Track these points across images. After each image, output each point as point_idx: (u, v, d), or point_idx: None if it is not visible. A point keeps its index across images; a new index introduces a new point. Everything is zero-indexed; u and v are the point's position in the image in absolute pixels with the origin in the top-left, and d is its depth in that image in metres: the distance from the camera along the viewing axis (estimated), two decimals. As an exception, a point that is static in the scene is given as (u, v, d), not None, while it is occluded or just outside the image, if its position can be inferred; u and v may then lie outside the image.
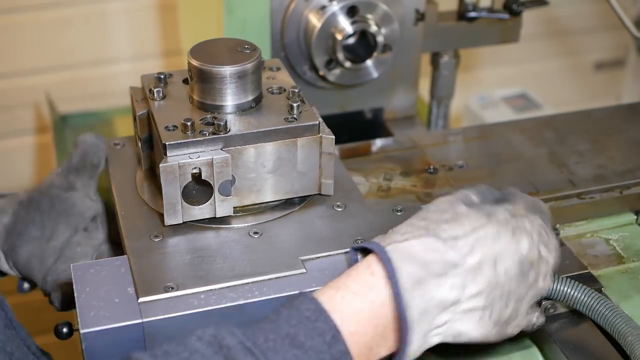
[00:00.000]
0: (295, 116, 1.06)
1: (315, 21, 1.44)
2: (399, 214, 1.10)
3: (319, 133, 1.07)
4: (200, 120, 1.04)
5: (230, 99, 1.06)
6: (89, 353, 0.91)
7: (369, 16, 1.45)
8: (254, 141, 1.03)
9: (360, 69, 1.49)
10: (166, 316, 0.92)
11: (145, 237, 1.04)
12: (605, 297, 1.06)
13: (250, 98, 1.07)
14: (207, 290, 0.95)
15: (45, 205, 1.18)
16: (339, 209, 1.10)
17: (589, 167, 1.35)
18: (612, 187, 1.30)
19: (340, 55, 1.45)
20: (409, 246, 0.89)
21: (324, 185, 1.10)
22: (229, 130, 1.02)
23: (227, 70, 1.04)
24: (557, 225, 1.27)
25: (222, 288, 0.96)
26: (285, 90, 1.11)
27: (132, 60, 2.39)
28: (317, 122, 1.06)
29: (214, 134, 1.02)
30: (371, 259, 0.91)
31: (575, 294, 1.04)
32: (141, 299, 0.94)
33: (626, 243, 1.26)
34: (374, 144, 1.43)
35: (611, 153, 1.39)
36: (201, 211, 1.04)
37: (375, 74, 1.51)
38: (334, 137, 1.07)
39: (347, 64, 1.46)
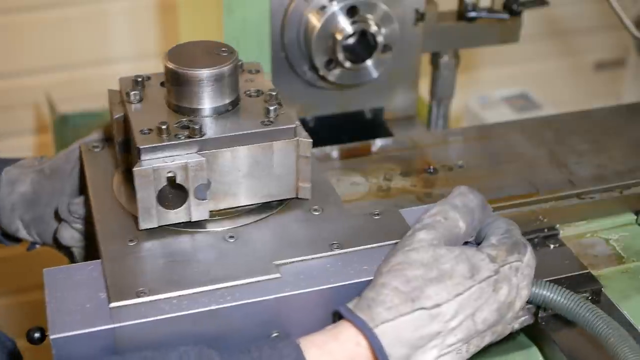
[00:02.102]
0: (271, 119, 1.04)
1: (315, 21, 1.44)
2: (376, 217, 1.08)
3: (295, 136, 1.05)
4: (175, 123, 1.03)
5: (206, 102, 1.04)
6: (59, 359, 0.90)
7: (369, 16, 1.45)
8: (230, 145, 1.01)
9: (360, 69, 1.49)
10: (137, 321, 0.90)
11: (119, 241, 1.02)
12: (587, 299, 1.06)
13: (226, 101, 1.05)
14: (179, 296, 0.94)
15: (73, 172, 1.21)
16: (316, 213, 1.09)
17: (589, 167, 1.35)
18: (612, 187, 1.30)
19: (340, 55, 1.45)
20: (398, 326, 0.89)
21: (302, 189, 1.08)
22: (205, 134, 1.01)
23: (203, 73, 1.03)
24: (557, 225, 1.27)
25: (194, 293, 0.94)
26: (263, 93, 1.10)
27: (132, 60, 2.40)
28: (294, 126, 1.04)
29: (189, 137, 1.00)
30: (358, 330, 0.91)
31: (556, 297, 1.04)
32: (112, 304, 0.92)
33: (626, 243, 1.26)
34: (374, 144, 1.43)
35: (611, 153, 1.39)
36: (176, 215, 1.02)
37: (375, 74, 1.51)
38: (311, 140, 1.06)
39: (347, 64, 1.46)
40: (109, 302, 0.92)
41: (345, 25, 1.44)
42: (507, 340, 1.18)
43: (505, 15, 1.56)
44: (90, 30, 2.34)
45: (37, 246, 1.28)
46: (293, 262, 1.00)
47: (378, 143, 1.43)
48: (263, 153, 1.04)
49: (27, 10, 2.27)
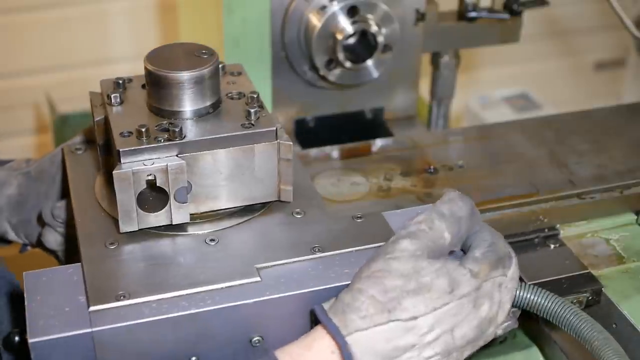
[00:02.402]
0: (252, 122, 1.03)
1: (316, 21, 1.44)
2: (359, 221, 1.07)
3: (276, 139, 1.03)
4: (156, 126, 1.01)
5: (186, 105, 1.03)
6: None
7: (369, 16, 1.45)
8: (210, 147, 1.01)
9: (361, 69, 1.49)
10: (116, 325, 0.90)
11: (100, 244, 1.01)
12: (571, 302, 1.05)
13: (207, 103, 1.05)
14: (159, 299, 0.93)
15: (58, 175, 1.20)
16: (299, 216, 1.08)
17: (589, 167, 1.35)
18: (612, 187, 1.30)
19: (341, 55, 1.45)
20: (371, 337, 0.89)
21: (283, 191, 1.07)
22: (185, 137, 1.00)
23: (183, 75, 1.02)
24: (557, 225, 1.27)
25: (174, 297, 0.93)
26: (244, 95, 1.09)
27: (132, 60, 2.40)
28: (275, 128, 1.03)
29: (169, 140, 0.99)
30: (332, 338, 0.89)
31: (540, 300, 1.04)
32: (92, 308, 0.91)
33: (626, 243, 1.26)
34: (374, 144, 1.43)
35: (611, 153, 1.39)
36: (157, 218, 1.01)
37: (375, 74, 1.51)
38: (291, 143, 1.04)
39: (348, 64, 1.46)
40: (89, 305, 0.92)
41: (346, 25, 1.44)
42: (507, 340, 1.19)
43: (506, 15, 1.56)
44: (90, 30, 2.35)
45: (29, 248, 1.28)
46: (274, 265, 0.99)
47: (378, 143, 1.43)
48: (244, 156, 1.03)
49: (27, 10, 2.28)
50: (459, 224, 0.97)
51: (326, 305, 0.92)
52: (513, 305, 1.03)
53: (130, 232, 1.01)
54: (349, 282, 0.96)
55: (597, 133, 1.45)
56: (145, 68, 1.04)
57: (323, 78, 1.51)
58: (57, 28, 2.31)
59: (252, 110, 1.04)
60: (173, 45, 1.09)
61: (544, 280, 1.16)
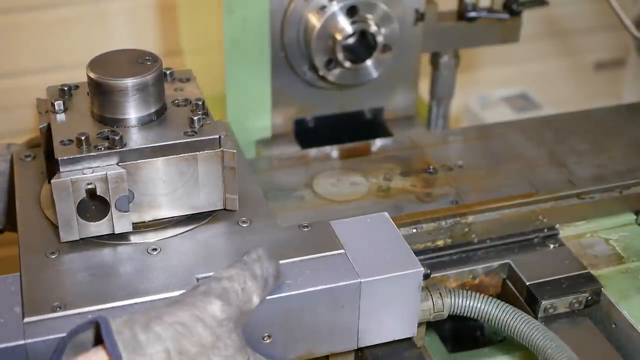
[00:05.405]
0: (195, 130, 1.02)
1: (315, 21, 1.44)
2: (305, 230, 1.05)
3: (219, 147, 1.02)
4: (97, 134, 1.00)
5: (129, 112, 1.02)
6: None
7: (369, 16, 1.45)
8: (152, 156, 0.99)
9: (360, 69, 1.49)
10: (50, 337, 0.88)
11: (40, 253, 0.99)
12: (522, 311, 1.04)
13: (151, 111, 1.03)
14: (95, 310, 0.92)
15: None
16: (244, 225, 1.06)
17: (589, 167, 1.35)
18: (612, 187, 1.30)
19: (340, 55, 1.45)
20: None
21: (229, 200, 1.06)
22: (125, 145, 0.98)
23: (124, 82, 1.01)
24: (557, 225, 1.27)
25: (111, 307, 0.92)
26: (190, 102, 1.07)
27: (132, 60, 2.40)
28: (218, 136, 1.02)
29: (109, 148, 0.97)
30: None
31: (490, 309, 1.03)
32: (26, 319, 0.90)
33: (626, 243, 1.26)
34: (374, 144, 1.43)
35: (611, 153, 1.39)
36: (98, 227, 0.99)
37: (375, 74, 1.51)
38: (235, 151, 1.03)
39: (347, 64, 1.46)
40: (24, 316, 0.90)
41: (345, 25, 1.43)
42: (507, 341, 1.19)
43: (505, 15, 1.56)
44: (90, 30, 2.34)
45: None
46: None
47: (378, 143, 1.43)
48: (187, 164, 1.01)
49: (28, 10, 2.27)
50: (266, 286, 0.94)
51: (114, 324, 0.85)
52: (465, 316, 1.03)
53: (72, 241, 1.00)
54: (291, 292, 0.94)
55: (597, 133, 1.45)
56: (88, 75, 1.02)
57: (322, 78, 1.51)
58: (56, 28, 2.31)
59: (195, 118, 1.02)
60: (116, 52, 1.08)
61: (543, 280, 1.17)
